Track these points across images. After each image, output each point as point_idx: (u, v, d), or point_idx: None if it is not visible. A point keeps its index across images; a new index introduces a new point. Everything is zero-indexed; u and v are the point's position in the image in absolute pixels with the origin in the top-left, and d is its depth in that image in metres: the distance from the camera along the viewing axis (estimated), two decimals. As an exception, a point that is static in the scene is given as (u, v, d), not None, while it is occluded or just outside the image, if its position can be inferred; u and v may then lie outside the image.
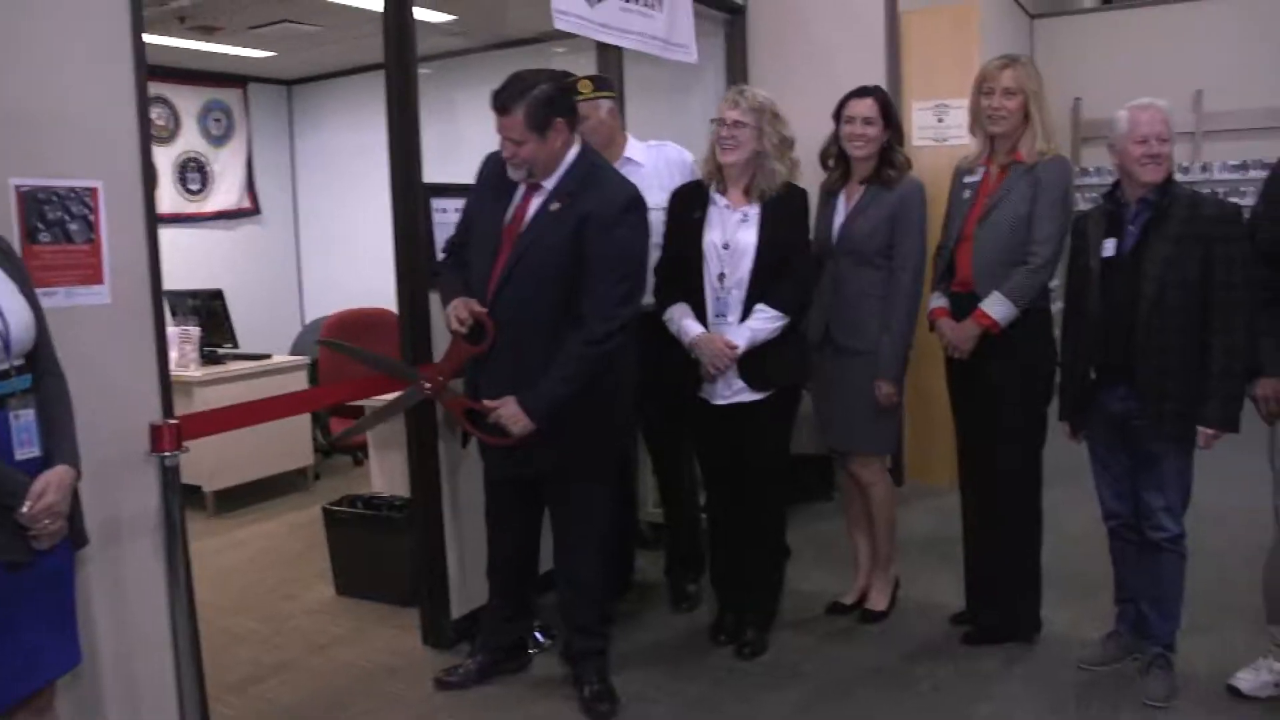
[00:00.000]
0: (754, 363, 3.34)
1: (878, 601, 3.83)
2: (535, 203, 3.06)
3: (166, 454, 2.53)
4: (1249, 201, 3.74)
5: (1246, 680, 3.14)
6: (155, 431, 2.52)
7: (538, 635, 3.63)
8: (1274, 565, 3.08)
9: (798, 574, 4.15)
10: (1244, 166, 7.77)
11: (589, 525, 3.23)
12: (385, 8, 3.51)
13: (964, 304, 3.39)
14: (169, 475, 2.54)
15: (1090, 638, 3.50)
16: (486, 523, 3.41)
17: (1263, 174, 7.44)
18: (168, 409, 2.73)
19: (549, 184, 3.05)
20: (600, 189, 3.02)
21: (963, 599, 3.74)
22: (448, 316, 3.10)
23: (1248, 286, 2.92)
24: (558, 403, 2.97)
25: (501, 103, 2.95)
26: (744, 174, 3.37)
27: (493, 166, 3.16)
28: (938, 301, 3.50)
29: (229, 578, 4.59)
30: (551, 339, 2.99)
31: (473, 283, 3.11)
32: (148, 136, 2.68)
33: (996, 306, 3.29)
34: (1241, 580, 3.79)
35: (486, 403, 3.03)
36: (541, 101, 2.94)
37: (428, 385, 3.22)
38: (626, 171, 3.65)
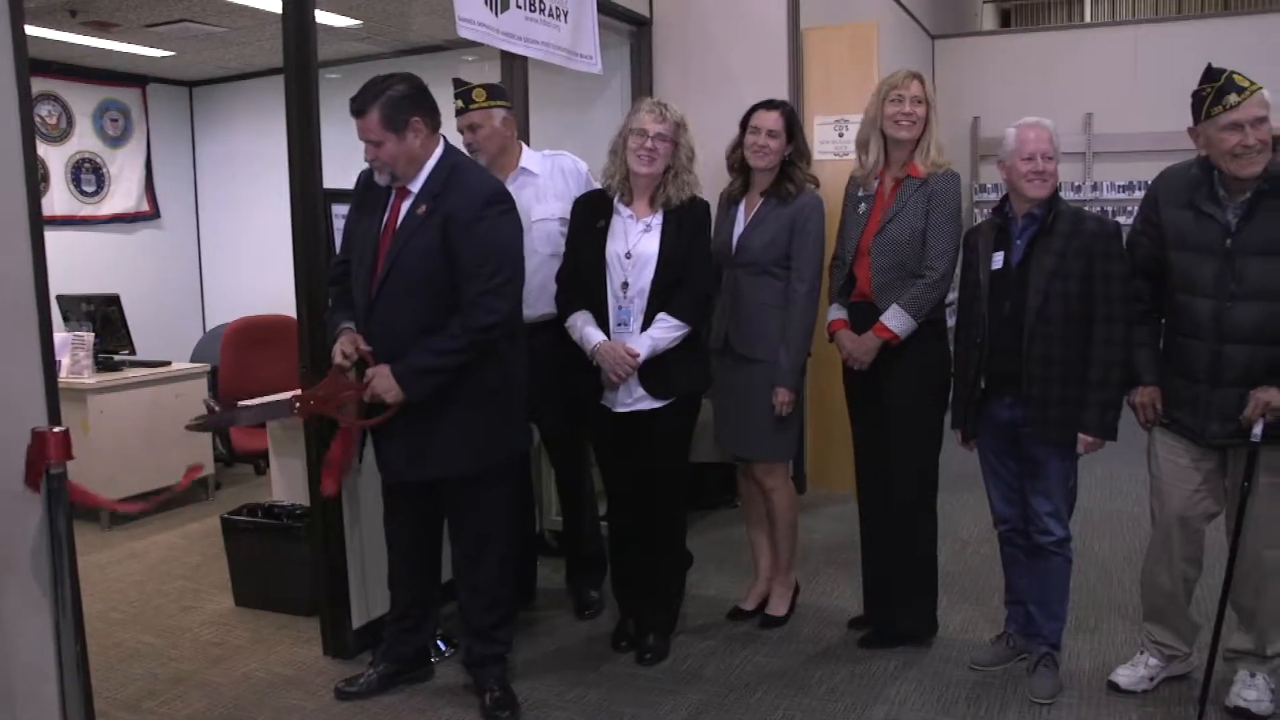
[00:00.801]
0: (655, 371, 3.38)
1: (778, 607, 3.89)
2: (404, 207, 3.07)
3: (52, 463, 2.44)
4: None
5: (1125, 675, 3.26)
6: (40, 439, 2.42)
7: (440, 644, 3.62)
8: (1150, 566, 3.20)
9: (700, 580, 4.21)
10: (1131, 187, 8.11)
11: (486, 528, 3.23)
12: (284, 10, 3.46)
13: (863, 314, 3.47)
14: (54, 484, 2.45)
15: (983, 639, 3.61)
16: (385, 531, 3.39)
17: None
18: (54, 417, 2.65)
19: (414, 187, 3.08)
20: (462, 188, 3.04)
21: (861, 604, 3.81)
22: (334, 350, 3.13)
23: (1125, 301, 3.05)
24: (428, 374, 2.99)
25: (358, 106, 2.99)
26: (652, 185, 3.41)
27: (365, 181, 3.19)
28: (836, 314, 3.57)
29: (124, 591, 4.47)
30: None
31: (355, 295, 3.13)
32: (31, 133, 2.58)
33: (895, 319, 3.37)
34: (1123, 580, 3.94)
35: (367, 375, 3.06)
36: (396, 100, 2.98)
37: (297, 408, 3.20)
38: (521, 181, 3.71)
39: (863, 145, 3.55)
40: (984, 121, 8.54)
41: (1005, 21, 11.85)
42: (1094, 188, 8.33)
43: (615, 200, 3.45)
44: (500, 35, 3.92)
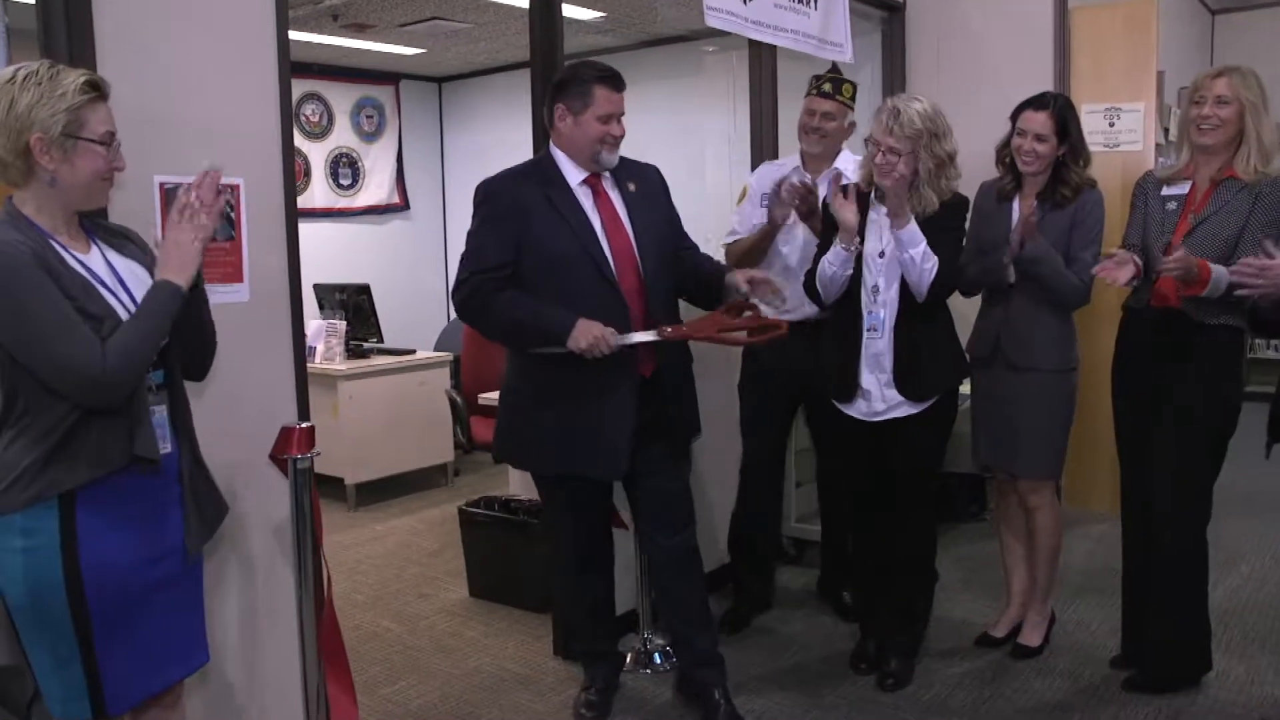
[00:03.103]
0: (910, 371, 3.17)
1: (1032, 636, 3.59)
2: (612, 193, 3.01)
3: (298, 457, 2.49)
4: None
5: None
6: (285, 435, 2.48)
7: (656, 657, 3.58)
8: None
9: (944, 600, 3.94)
10: None
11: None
12: (531, 4, 3.45)
13: (1156, 322, 3.13)
14: (301, 478, 2.51)
15: (1270, 693, 3.21)
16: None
17: None
18: (303, 410, 2.72)
19: (606, 171, 3.02)
20: (627, 165, 3.08)
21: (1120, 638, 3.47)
22: (603, 340, 2.82)
23: None
24: None
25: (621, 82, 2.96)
26: (900, 190, 3.17)
27: (510, 192, 2.96)
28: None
29: (366, 572, 4.63)
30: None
31: (585, 289, 2.90)
32: (290, 134, 2.67)
33: (1217, 270, 2.93)
34: None
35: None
36: None
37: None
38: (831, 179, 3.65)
39: (1177, 146, 3.24)
40: (1276, 108, 7.73)
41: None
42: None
43: (872, 196, 3.24)
44: (749, 24, 3.78)
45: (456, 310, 3.02)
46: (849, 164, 3.70)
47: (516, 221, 2.90)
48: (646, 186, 3.08)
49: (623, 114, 2.95)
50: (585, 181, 2.97)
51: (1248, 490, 3.33)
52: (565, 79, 2.95)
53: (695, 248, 3.23)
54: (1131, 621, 3.41)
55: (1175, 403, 3.12)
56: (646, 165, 3.16)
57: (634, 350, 2.89)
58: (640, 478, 3.06)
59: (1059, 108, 3.30)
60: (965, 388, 3.48)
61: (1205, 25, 8.10)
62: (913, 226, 3.07)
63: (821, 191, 3.52)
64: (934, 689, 3.36)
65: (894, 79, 5.20)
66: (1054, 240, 3.28)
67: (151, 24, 2.38)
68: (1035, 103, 3.32)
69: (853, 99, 3.73)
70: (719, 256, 3.69)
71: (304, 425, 2.51)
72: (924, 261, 3.07)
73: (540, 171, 2.99)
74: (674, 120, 6.13)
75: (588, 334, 2.78)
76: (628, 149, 3.05)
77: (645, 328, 2.90)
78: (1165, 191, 3.19)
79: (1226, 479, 3.18)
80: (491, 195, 2.96)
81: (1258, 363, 7.61)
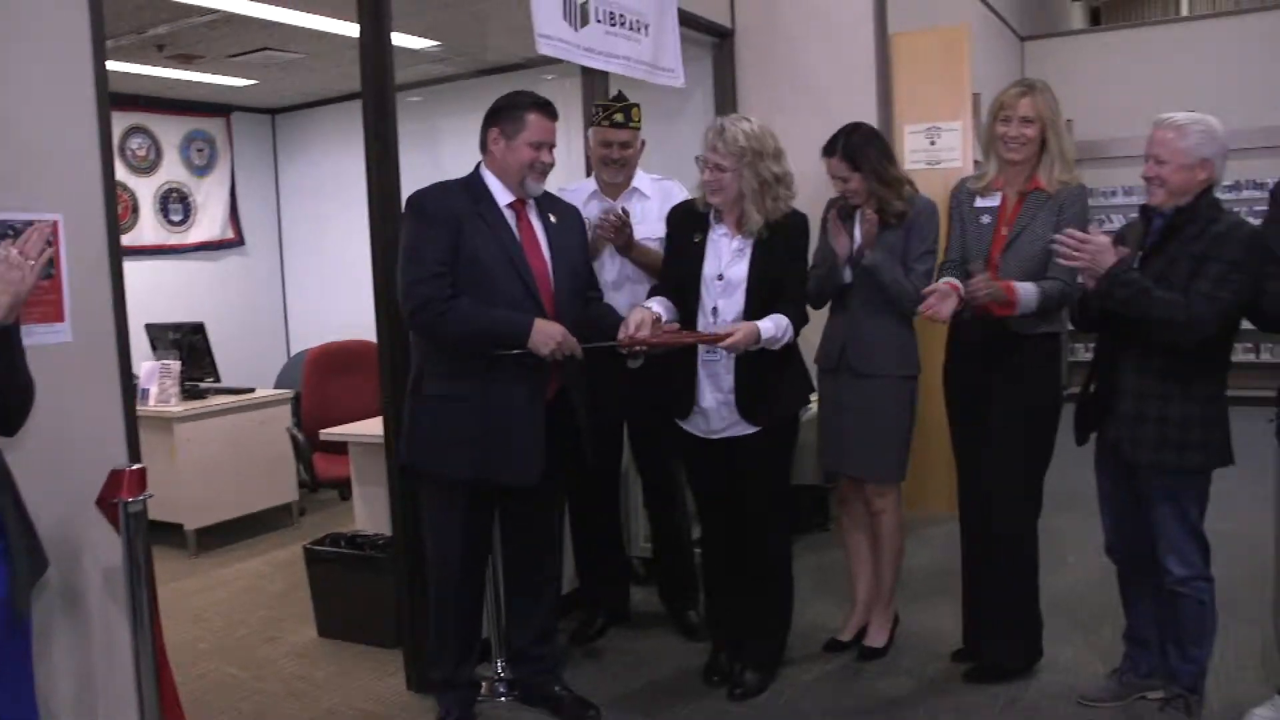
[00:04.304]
0: (755, 394, 3.25)
1: (877, 638, 3.71)
2: (534, 219, 3.13)
3: (129, 500, 2.39)
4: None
5: (1263, 718, 3.02)
6: (114, 478, 2.39)
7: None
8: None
9: (794, 609, 4.02)
10: (1239, 186, 7.71)
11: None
12: (361, 33, 3.42)
13: (984, 331, 3.28)
14: (133, 522, 2.41)
15: (1092, 673, 3.41)
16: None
17: (1257, 194, 7.45)
18: (134, 453, 2.63)
19: (530, 199, 3.14)
20: (551, 199, 3.25)
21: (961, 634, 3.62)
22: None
23: (1217, 283, 2.79)
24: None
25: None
26: (734, 209, 3.27)
27: (442, 201, 3.05)
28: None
29: (210, 619, 4.46)
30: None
31: (509, 306, 3.00)
32: (111, 167, 2.59)
33: (1024, 290, 3.14)
34: (1250, 610, 3.69)
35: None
36: None
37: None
38: (633, 201, 3.80)
39: (984, 156, 3.41)
40: (1079, 124, 8.23)
41: (1095, 19, 11.47)
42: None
43: (709, 215, 3.32)
44: (581, 50, 3.84)
45: (406, 319, 3.04)
46: (644, 182, 3.83)
47: (449, 227, 2.98)
48: (566, 222, 3.21)
49: (553, 144, 3.06)
50: (511, 205, 3.07)
51: (1070, 488, 3.52)
52: (502, 104, 3.08)
53: (601, 297, 3.37)
54: (971, 615, 3.56)
55: (1002, 406, 3.28)
56: (570, 205, 3.33)
57: (545, 368, 2.97)
58: (521, 500, 3.19)
59: (844, 148, 3.44)
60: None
61: (1016, 50, 8.58)
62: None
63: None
64: (785, 695, 3.43)
65: (725, 103, 5.33)
66: (889, 251, 3.41)
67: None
68: (825, 149, 3.47)
69: (640, 120, 3.81)
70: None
71: (134, 467, 2.42)
72: (789, 334, 3.22)
73: (470, 189, 3.09)
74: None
75: (549, 338, 2.90)
76: (464, 171, 3.12)
77: None
78: (978, 204, 3.35)
79: (1051, 477, 3.36)
80: (424, 203, 3.04)
81: (1076, 365, 8.04)
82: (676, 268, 3.38)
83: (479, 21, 5.56)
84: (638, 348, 3.08)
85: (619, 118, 3.74)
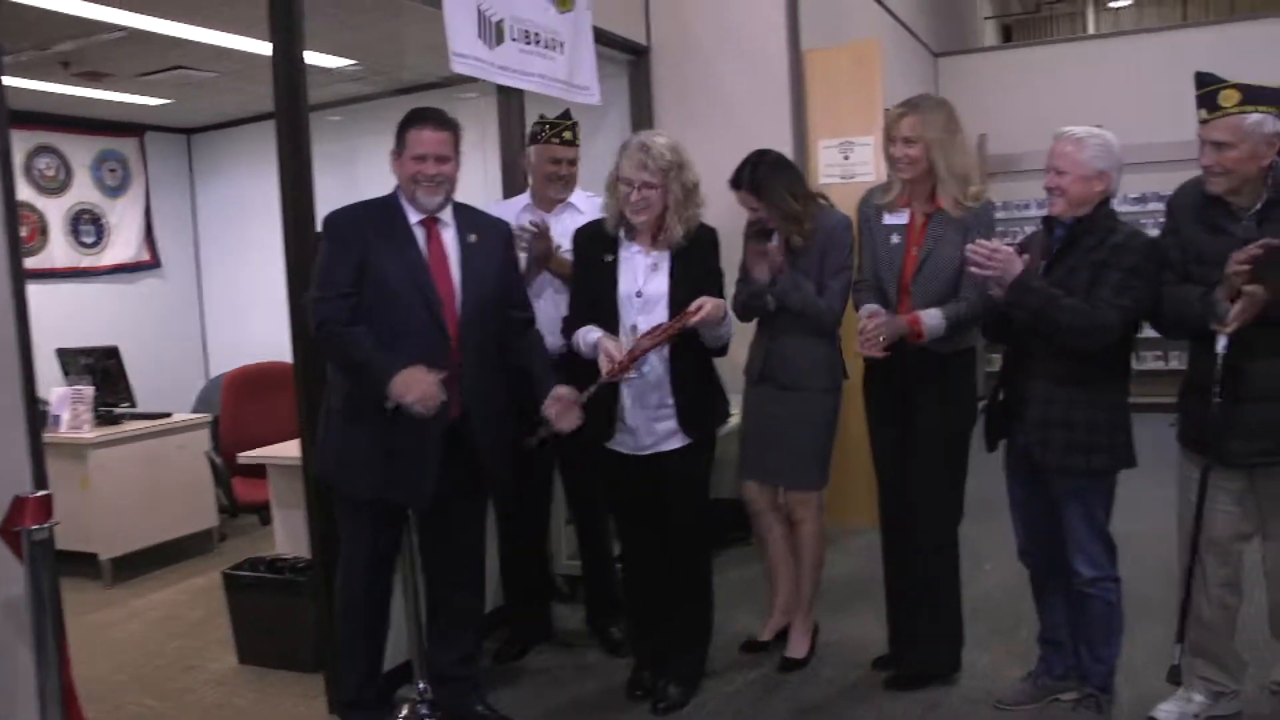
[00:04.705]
0: (693, 409, 3.31)
1: (798, 648, 3.75)
2: (447, 237, 3.10)
3: (34, 529, 2.34)
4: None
5: (1169, 712, 3.11)
6: (18, 505, 2.33)
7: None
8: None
9: (718, 621, 4.05)
10: (1144, 199, 7.95)
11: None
12: (274, 52, 3.40)
13: (901, 346, 3.31)
14: (38, 551, 2.35)
15: (1010, 676, 3.48)
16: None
17: (1160, 206, 7.67)
18: (40, 480, 2.56)
19: (447, 216, 3.13)
20: (474, 214, 3.23)
21: (885, 642, 3.67)
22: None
23: (1118, 291, 2.90)
24: None
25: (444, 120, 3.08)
26: (652, 225, 3.30)
27: (354, 221, 3.08)
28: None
29: (126, 651, 4.35)
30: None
31: (411, 330, 3.00)
32: (11, 187, 2.54)
33: (929, 317, 3.21)
34: (1154, 608, 3.79)
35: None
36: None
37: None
38: (567, 215, 3.85)
39: (889, 172, 3.47)
40: (991, 139, 8.43)
41: (1007, 37, 11.79)
42: (1105, 201, 8.20)
43: (620, 234, 3.34)
44: (496, 69, 3.85)
45: (312, 331, 3.04)
46: (580, 198, 3.89)
47: (358, 247, 2.99)
48: (488, 240, 3.18)
49: (438, 155, 3.03)
50: (421, 223, 3.07)
51: (983, 495, 3.59)
52: (399, 125, 3.09)
53: (529, 320, 3.32)
54: (895, 623, 3.61)
55: (921, 417, 3.35)
56: (499, 220, 3.31)
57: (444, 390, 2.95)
58: (439, 520, 3.18)
59: (749, 182, 3.50)
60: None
61: (930, 65, 8.76)
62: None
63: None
64: (707, 707, 3.46)
65: (641, 120, 5.37)
66: (808, 271, 3.47)
67: None
68: (732, 181, 3.53)
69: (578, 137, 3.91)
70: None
71: (39, 494, 2.36)
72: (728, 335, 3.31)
73: (385, 207, 3.11)
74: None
75: (410, 389, 2.85)
76: (381, 190, 3.13)
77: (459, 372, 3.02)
78: (886, 220, 3.40)
79: (969, 486, 3.43)
80: (337, 222, 3.06)
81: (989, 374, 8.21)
82: (589, 289, 3.39)
83: (395, 40, 5.54)
84: (629, 374, 3.16)
85: (568, 135, 3.81)
